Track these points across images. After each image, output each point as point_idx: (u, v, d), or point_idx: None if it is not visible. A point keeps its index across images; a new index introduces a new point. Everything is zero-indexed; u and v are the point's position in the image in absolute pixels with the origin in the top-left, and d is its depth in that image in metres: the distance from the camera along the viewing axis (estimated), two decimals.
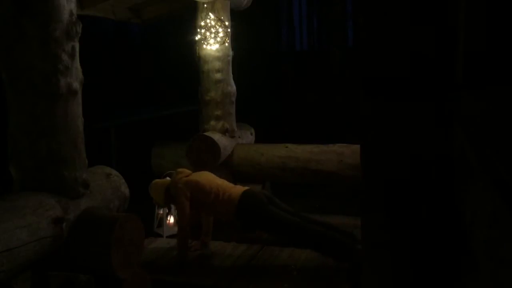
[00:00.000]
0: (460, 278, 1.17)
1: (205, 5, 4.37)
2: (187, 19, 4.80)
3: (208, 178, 3.48)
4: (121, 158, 6.22)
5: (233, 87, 4.72)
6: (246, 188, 3.40)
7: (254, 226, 3.36)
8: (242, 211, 3.24)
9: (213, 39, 4.38)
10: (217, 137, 4.40)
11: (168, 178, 3.71)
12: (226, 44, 4.50)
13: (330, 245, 3.13)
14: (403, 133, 1.25)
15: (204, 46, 4.44)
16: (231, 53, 4.64)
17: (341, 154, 4.22)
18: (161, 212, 4.14)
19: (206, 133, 4.45)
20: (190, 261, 3.47)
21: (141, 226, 2.56)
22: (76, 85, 2.38)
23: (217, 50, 4.48)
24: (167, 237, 4.02)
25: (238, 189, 3.35)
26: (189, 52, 4.75)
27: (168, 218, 4.12)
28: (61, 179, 2.34)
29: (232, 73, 4.71)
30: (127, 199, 2.84)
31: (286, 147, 4.49)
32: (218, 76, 4.57)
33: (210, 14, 4.33)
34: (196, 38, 4.47)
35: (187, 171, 3.58)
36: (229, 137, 4.62)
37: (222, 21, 4.37)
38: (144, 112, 7.73)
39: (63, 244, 2.31)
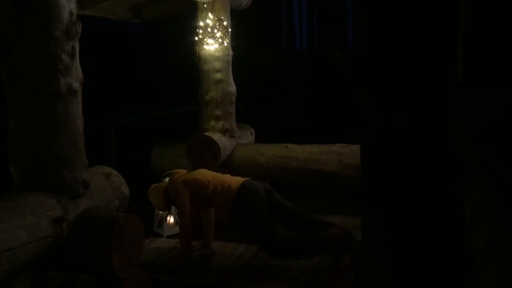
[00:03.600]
0: (460, 278, 1.17)
1: (205, 5, 4.36)
2: (187, 19, 4.80)
3: (204, 173, 3.48)
4: (121, 158, 6.21)
5: (233, 87, 4.72)
6: (245, 178, 3.36)
7: (248, 220, 3.31)
8: (239, 203, 3.22)
9: (212, 39, 4.38)
10: (217, 137, 4.40)
11: (166, 180, 3.70)
12: (226, 44, 4.49)
13: (310, 250, 3.17)
14: (403, 133, 1.25)
15: (204, 46, 4.44)
16: (231, 53, 4.63)
17: (341, 154, 4.22)
18: (161, 212, 4.14)
19: (206, 133, 4.45)
20: (190, 261, 3.47)
21: (141, 226, 2.56)
22: (76, 85, 2.38)
23: (216, 50, 4.47)
24: (167, 237, 4.03)
25: (237, 180, 3.33)
26: (189, 52, 4.75)
27: (168, 218, 4.13)
28: (61, 179, 2.34)
29: (232, 73, 4.71)
30: (127, 199, 2.84)
31: (286, 147, 4.49)
32: (218, 76, 4.56)
33: (210, 14, 4.33)
34: (196, 38, 4.47)
35: (184, 171, 3.58)
36: (229, 137, 4.62)
37: (221, 21, 4.37)
38: (144, 112, 7.72)
39: (63, 244, 2.31)
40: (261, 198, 3.24)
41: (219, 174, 3.48)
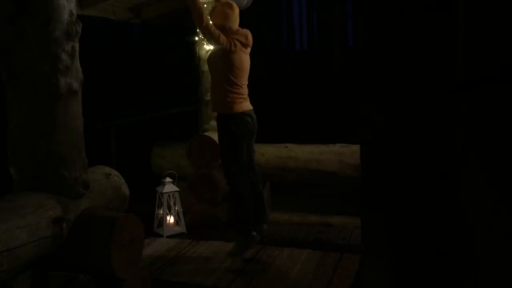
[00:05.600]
0: (460, 277, 1.17)
1: (205, 5, 4.36)
2: (187, 19, 4.80)
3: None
4: (121, 158, 6.22)
5: None
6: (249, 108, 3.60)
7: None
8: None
9: None
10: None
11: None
12: None
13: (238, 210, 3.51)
14: (403, 133, 1.25)
15: (204, 46, 4.44)
16: None
17: (341, 154, 4.22)
18: (161, 212, 4.14)
19: (206, 133, 4.45)
20: (190, 261, 3.47)
21: (141, 226, 2.56)
22: (76, 85, 2.38)
23: None
24: (167, 237, 4.03)
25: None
26: (189, 52, 4.75)
27: (168, 218, 4.13)
28: (61, 179, 2.34)
29: None
30: (127, 199, 2.84)
31: (286, 147, 4.49)
32: None
33: None
34: (196, 38, 4.47)
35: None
36: None
37: None
38: (144, 112, 7.73)
39: (63, 244, 2.31)
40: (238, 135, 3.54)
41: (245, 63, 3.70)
